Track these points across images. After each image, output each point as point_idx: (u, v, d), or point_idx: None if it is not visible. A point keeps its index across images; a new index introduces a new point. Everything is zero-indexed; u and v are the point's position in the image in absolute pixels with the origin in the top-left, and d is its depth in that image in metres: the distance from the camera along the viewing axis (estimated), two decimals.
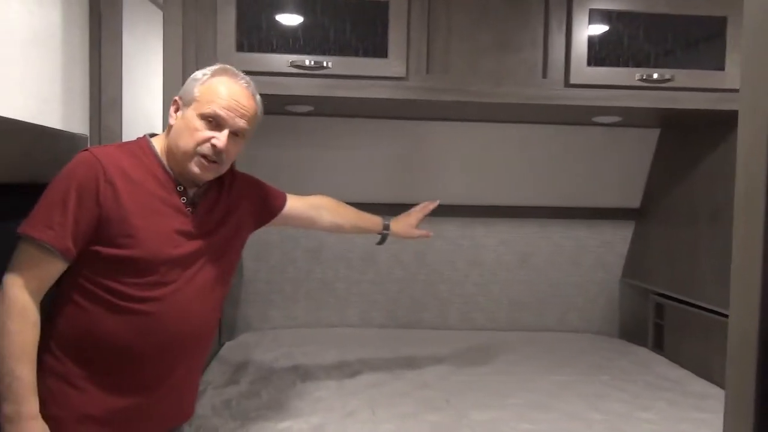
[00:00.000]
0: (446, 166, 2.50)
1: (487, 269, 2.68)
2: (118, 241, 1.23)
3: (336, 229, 1.81)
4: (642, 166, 2.54)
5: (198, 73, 1.34)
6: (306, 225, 1.77)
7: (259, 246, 2.55)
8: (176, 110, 1.33)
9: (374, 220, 1.86)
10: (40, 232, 1.17)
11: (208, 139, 1.28)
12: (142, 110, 1.82)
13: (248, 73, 1.73)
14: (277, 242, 2.60)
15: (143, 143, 1.34)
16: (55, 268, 1.21)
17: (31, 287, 1.18)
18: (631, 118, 2.16)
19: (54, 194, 1.21)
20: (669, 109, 1.92)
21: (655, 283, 2.49)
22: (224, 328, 2.47)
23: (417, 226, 1.90)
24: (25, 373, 1.16)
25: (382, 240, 1.90)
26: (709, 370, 2.16)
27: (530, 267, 2.69)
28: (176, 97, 1.33)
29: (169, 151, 1.32)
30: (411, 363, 2.23)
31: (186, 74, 1.76)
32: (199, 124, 1.28)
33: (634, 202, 2.62)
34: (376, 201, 2.52)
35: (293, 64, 1.78)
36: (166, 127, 1.35)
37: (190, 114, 1.29)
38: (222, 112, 1.29)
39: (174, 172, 1.33)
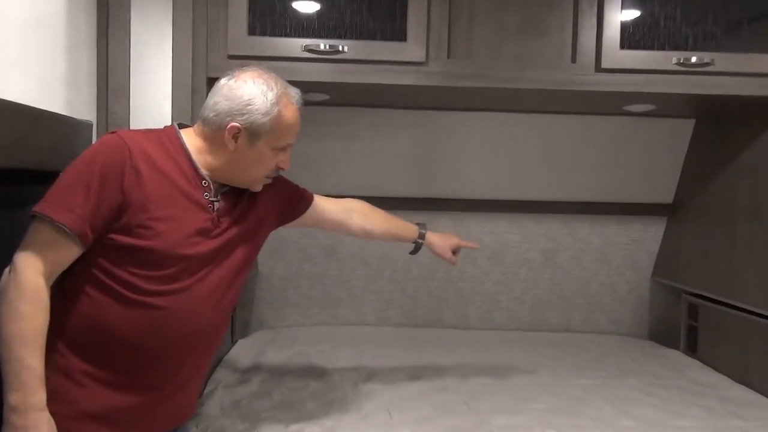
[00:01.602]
0: (467, 158, 2.40)
1: (510, 267, 2.57)
2: (137, 230, 1.18)
3: (366, 236, 1.72)
4: (675, 160, 2.41)
5: (258, 100, 1.26)
6: (334, 228, 1.70)
7: (276, 242, 2.47)
8: (236, 137, 1.27)
9: (409, 228, 1.78)
10: (59, 214, 1.12)
11: (277, 164, 1.33)
12: (152, 98, 1.75)
13: (260, 58, 1.67)
14: (294, 238, 2.52)
15: (171, 133, 1.29)
16: (70, 253, 1.15)
17: (44, 271, 1.12)
18: (665, 106, 2.04)
19: (76, 175, 1.16)
20: (707, 97, 1.80)
21: (689, 283, 2.36)
22: (237, 325, 2.40)
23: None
24: (35, 361, 1.10)
25: (416, 249, 1.82)
26: (747, 375, 2.03)
27: (555, 264, 2.57)
28: (235, 124, 1.26)
29: (227, 171, 1.30)
30: (429, 364, 2.14)
31: (197, 60, 1.70)
32: (272, 154, 1.30)
33: (667, 197, 2.49)
34: (394, 195, 2.44)
35: (307, 49, 1.70)
36: (206, 131, 1.29)
37: (263, 147, 1.28)
38: (294, 141, 1.34)
39: (207, 173, 1.28)
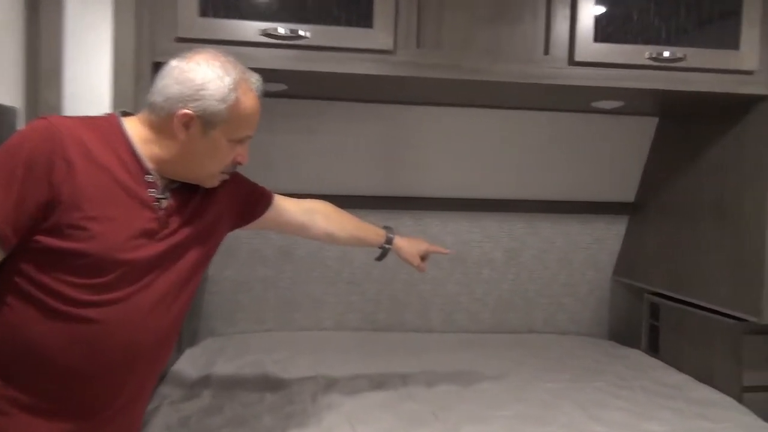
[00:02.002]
0: (431, 155, 2.30)
1: (472, 267, 2.50)
2: (68, 232, 1.02)
3: (329, 240, 1.60)
4: (638, 158, 2.39)
5: (213, 85, 1.12)
6: (295, 232, 1.56)
7: (226, 242, 2.29)
8: (187, 125, 1.12)
9: (376, 232, 1.67)
10: None
11: (234, 158, 1.21)
12: (89, 83, 1.57)
13: (212, 42, 1.52)
14: (246, 238, 2.37)
15: (112, 121, 1.13)
16: None
17: None
18: (633, 103, 2.00)
19: None
20: (676, 94, 1.76)
21: (651, 282, 2.34)
22: (184, 333, 2.23)
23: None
24: None
25: (383, 255, 1.71)
26: (710, 374, 2.02)
27: (517, 265, 2.52)
28: (187, 111, 1.11)
29: (177, 165, 1.15)
30: (392, 370, 2.04)
31: (141, 43, 1.53)
32: (229, 146, 1.18)
33: (629, 196, 2.47)
34: (355, 193, 2.32)
35: (265, 33, 1.56)
36: (153, 119, 1.14)
37: (218, 138, 1.15)
38: (252, 133, 1.21)
39: (153, 167, 1.13)
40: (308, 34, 1.57)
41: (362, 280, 2.45)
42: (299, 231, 1.54)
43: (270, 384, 1.88)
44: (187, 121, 1.11)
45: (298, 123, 2.18)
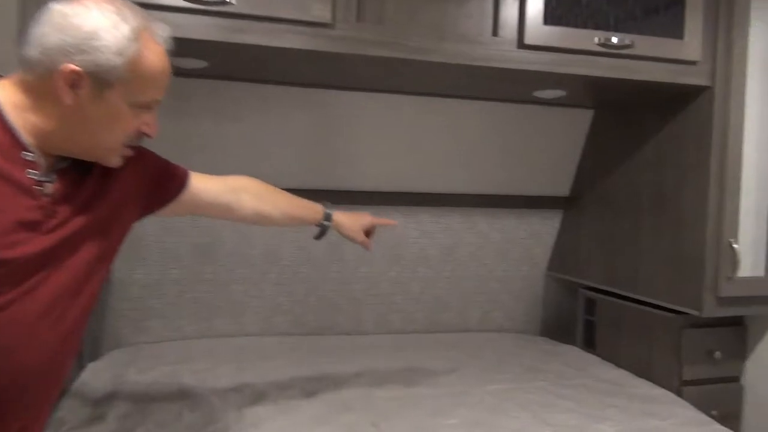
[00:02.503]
0: (365, 146, 2.15)
1: (407, 265, 2.37)
2: None
3: (261, 220, 1.40)
4: (573, 152, 2.35)
5: (107, 34, 0.89)
6: (220, 214, 1.34)
7: (133, 239, 2.04)
8: (74, 85, 0.89)
9: (312, 208, 1.50)
10: None
11: (139, 128, 0.99)
12: None
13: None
14: (157, 235, 2.12)
15: None
16: None
17: None
18: (574, 93, 1.94)
19: None
20: (616, 84, 1.71)
21: (586, 277, 2.31)
22: (86, 344, 1.95)
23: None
24: None
25: (322, 233, 1.55)
26: (648, 369, 2.00)
27: (454, 261, 2.42)
28: (73, 67, 0.88)
29: (64, 138, 0.92)
30: (326, 378, 1.87)
31: None
32: (131, 113, 0.96)
33: (564, 190, 2.43)
34: (282, 186, 2.12)
35: None
36: (28, 79, 0.91)
37: (116, 101, 0.93)
38: (161, 97, 0.99)
39: (33, 141, 0.90)
40: (235, 1, 1.37)
41: (290, 280, 2.26)
42: (225, 213, 1.34)
43: (188, 399, 1.67)
44: (74, 80, 0.89)
45: (219, 107, 1.96)
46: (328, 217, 1.52)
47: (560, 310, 2.58)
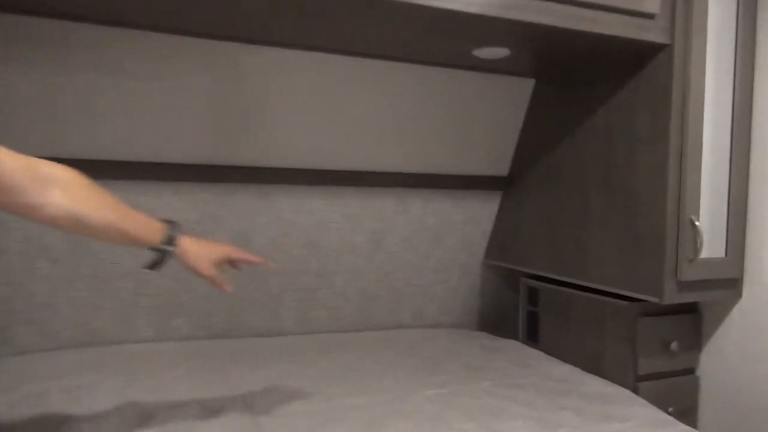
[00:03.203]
0: (280, 114, 1.84)
1: (331, 254, 2.08)
2: None
3: (76, 226, 1.02)
4: (513, 126, 2.13)
5: None
6: (14, 205, 0.96)
7: None
8: None
9: (150, 225, 1.14)
10: None
11: None
12: None
13: None
14: (17, 222, 1.71)
15: None
16: None
17: None
18: (517, 53, 1.71)
19: None
20: (563, 42, 1.50)
21: (527, 264, 2.11)
22: None
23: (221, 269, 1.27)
24: None
25: (157, 262, 1.19)
26: (599, 364, 1.81)
27: (384, 250, 2.15)
28: None
29: None
30: (233, 391, 1.56)
31: None
32: None
33: (502, 169, 2.21)
34: (175, 160, 1.79)
35: None
36: None
37: None
38: None
39: None
40: None
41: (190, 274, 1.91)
42: (19, 206, 0.96)
43: (55, 426, 1.30)
44: None
45: (93, 56, 1.58)
46: (169, 241, 1.17)
47: (499, 302, 2.37)
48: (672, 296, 1.56)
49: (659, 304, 1.59)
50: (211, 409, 1.42)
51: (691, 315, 1.79)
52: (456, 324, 2.35)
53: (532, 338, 2.13)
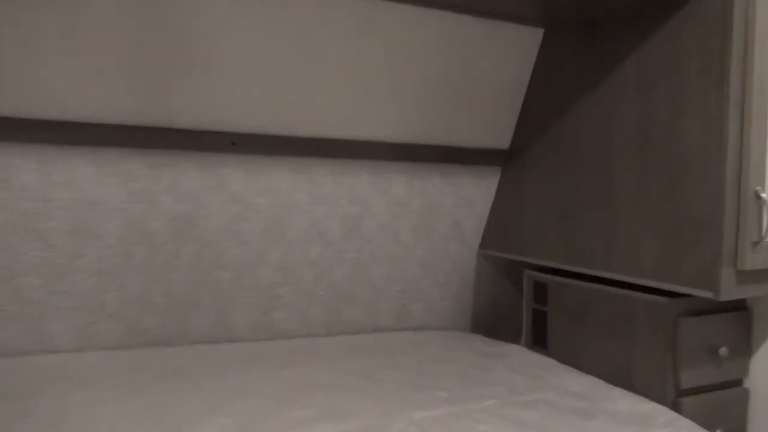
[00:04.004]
0: (228, 64, 1.45)
1: (296, 244, 1.71)
2: None
3: None
4: (517, 88, 1.78)
5: None
6: None
7: None
8: None
9: None
10: None
11: None
12: None
13: None
14: None
15: None
16: None
17: None
18: None
19: None
20: None
21: (533, 254, 1.76)
22: None
23: None
24: None
25: None
26: (627, 375, 1.47)
27: (360, 237, 1.78)
28: None
29: None
30: (170, 415, 1.18)
31: None
32: None
33: (503, 141, 1.86)
34: (102, 120, 1.40)
35: None
36: None
37: None
38: None
39: None
40: None
41: (118, 267, 1.52)
42: None
43: None
44: None
45: None
46: None
47: (498, 299, 2.03)
48: (730, 290, 1.22)
49: (713, 300, 1.24)
50: None
51: (740, 313, 1.45)
52: (446, 326, 2.00)
53: (538, 342, 1.78)
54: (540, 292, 1.78)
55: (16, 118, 1.32)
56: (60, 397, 1.25)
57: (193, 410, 1.21)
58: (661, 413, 1.31)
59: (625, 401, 1.38)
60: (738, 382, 1.47)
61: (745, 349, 1.46)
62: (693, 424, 1.26)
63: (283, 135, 1.58)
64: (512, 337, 1.95)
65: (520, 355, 1.72)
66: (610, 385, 1.47)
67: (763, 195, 1.22)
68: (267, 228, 1.66)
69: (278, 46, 1.47)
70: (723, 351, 1.38)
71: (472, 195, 1.88)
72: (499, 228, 1.90)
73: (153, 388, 1.32)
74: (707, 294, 1.24)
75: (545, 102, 1.72)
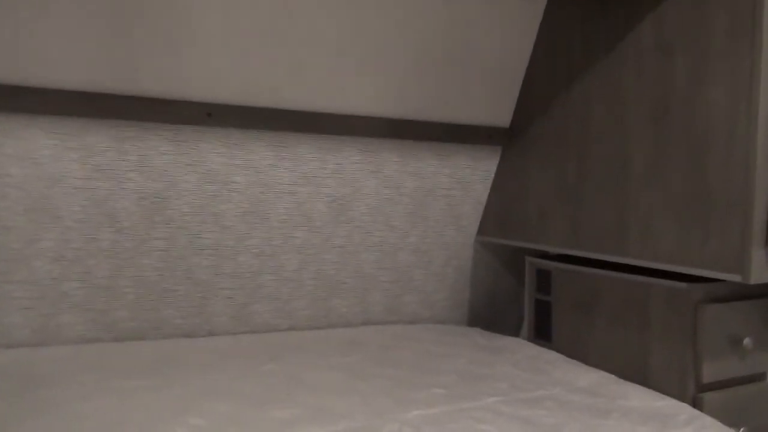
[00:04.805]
0: (205, 25, 1.31)
1: (279, 228, 1.57)
2: None
3: None
4: (518, 58, 1.65)
5: None
6: None
7: None
8: None
9: None
10: None
11: None
12: None
13: None
14: None
15: None
16: None
17: None
18: None
19: None
20: None
21: (535, 239, 1.63)
22: None
23: None
24: None
25: None
26: (641, 369, 1.35)
27: (348, 223, 1.65)
28: None
29: None
30: (142, 412, 1.04)
31: None
32: None
33: (503, 118, 1.73)
34: (64, 86, 1.25)
35: None
36: None
37: None
38: None
39: None
40: None
41: (81, 253, 1.38)
42: None
43: None
44: None
45: None
46: None
47: (497, 289, 1.90)
48: (762, 273, 1.10)
49: (735, 285, 1.12)
50: None
51: (765, 300, 1.33)
52: (441, 318, 1.88)
53: (541, 335, 1.66)
54: (543, 280, 1.65)
55: None
56: (17, 396, 1.11)
57: (164, 410, 1.08)
58: (681, 410, 1.19)
59: (640, 397, 1.26)
60: (762, 376, 1.35)
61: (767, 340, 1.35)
62: (716, 422, 1.14)
63: (264, 107, 1.44)
64: (512, 331, 1.83)
65: (522, 348, 1.60)
66: (621, 380, 1.35)
67: None
68: (247, 210, 1.52)
69: (254, 11, 1.33)
70: (747, 342, 1.26)
71: (470, 176, 1.75)
72: (498, 212, 1.77)
73: (120, 386, 1.19)
74: (735, 278, 1.12)
75: (549, 75, 1.59)
